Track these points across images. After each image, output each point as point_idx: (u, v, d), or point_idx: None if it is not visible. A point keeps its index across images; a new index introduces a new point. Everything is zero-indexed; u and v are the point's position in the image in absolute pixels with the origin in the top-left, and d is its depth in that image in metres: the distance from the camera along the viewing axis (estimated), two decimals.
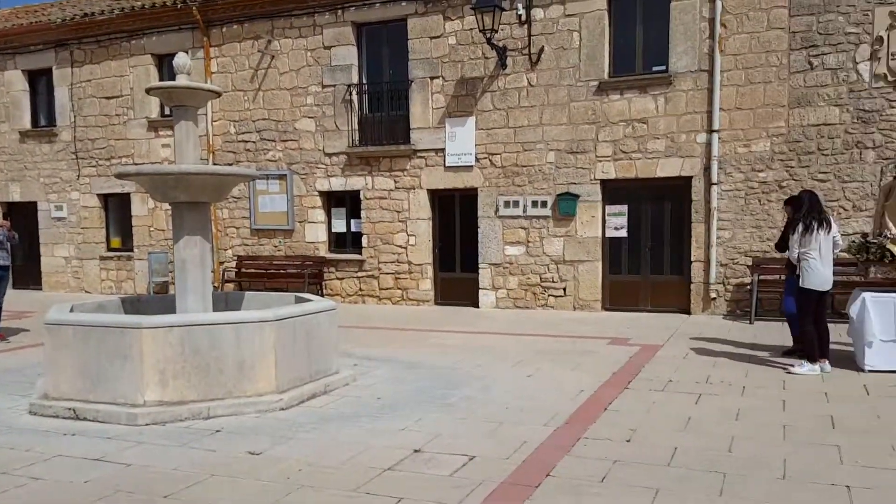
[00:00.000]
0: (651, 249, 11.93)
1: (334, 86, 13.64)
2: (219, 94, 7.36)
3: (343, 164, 13.76)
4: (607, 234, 12.10)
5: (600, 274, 12.13)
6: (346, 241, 14.20)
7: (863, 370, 7.15)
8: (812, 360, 7.18)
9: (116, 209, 16.28)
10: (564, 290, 12.28)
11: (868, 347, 7.13)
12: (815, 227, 7.09)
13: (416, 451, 4.94)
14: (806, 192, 7.62)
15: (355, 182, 13.69)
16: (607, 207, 12.05)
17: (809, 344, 7.23)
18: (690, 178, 11.37)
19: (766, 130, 10.89)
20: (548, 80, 12.08)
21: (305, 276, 13.75)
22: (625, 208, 11.97)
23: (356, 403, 6.30)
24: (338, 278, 14.03)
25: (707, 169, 11.22)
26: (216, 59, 14.56)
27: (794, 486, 4.22)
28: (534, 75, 12.16)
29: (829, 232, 7.16)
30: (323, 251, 14.17)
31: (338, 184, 13.87)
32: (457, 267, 13.34)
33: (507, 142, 12.46)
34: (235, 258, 14.77)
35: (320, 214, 14.16)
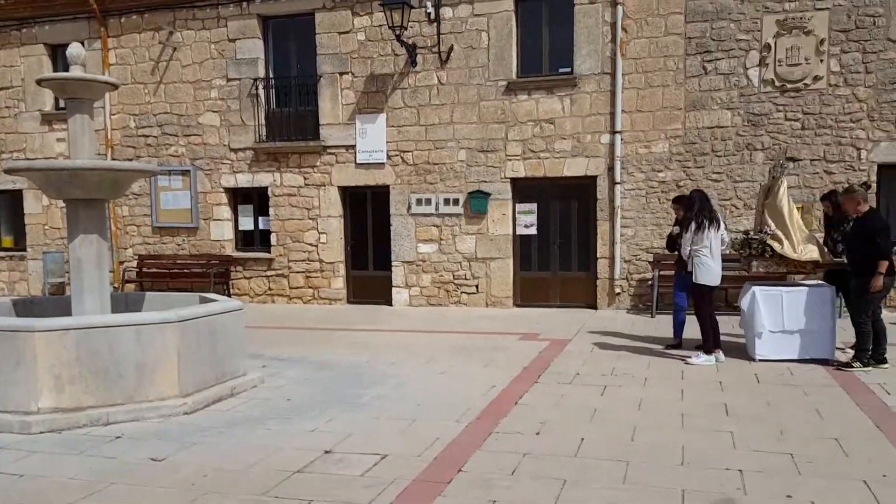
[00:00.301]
0: (559, 247, 12.22)
1: (240, 79, 13.31)
2: (116, 87, 7.08)
3: (250, 160, 13.45)
4: (518, 232, 12.32)
5: (511, 271, 12.34)
6: (254, 240, 13.89)
7: (754, 360, 7.58)
8: (708, 351, 7.55)
9: (7, 206, 15.32)
10: (477, 287, 12.43)
11: (758, 338, 7.56)
12: (707, 225, 7.47)
13: (326, 451, 4.90)
14: (696, 191, 8.01)
15: (263, 178, 13.41)
16: (517, 206, 12.27)
17: (706, 336, 7.61)
18: (595, 177, 11.73)
19: (665, 132, 11.36)
20: (458, 79, 12.18)
21: (211, 275, 13.35)
22: (534, 206, 12.22)
23: (265, 405, 6.18)
24: (245, 278, 13.70)
25: (611, 169, 11.59)
26: (114, 50, 13.91)
27: (692, 471, 4.43)
28: (444, 73, 12.24)
29: (718, 230, 7.57)
30: (229, 249, 13.80)
31: (244, 180, 13.54)
32: (369, 265, 13.27)
33: (418, 139, 12.49)
34: (136, 257, 14.17)
35: (226, 212, 13.79)
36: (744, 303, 7.79)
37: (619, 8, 11.27)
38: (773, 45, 10.83)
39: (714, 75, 11.10)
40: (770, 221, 7.80)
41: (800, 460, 4.58)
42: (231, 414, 5.93)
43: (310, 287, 13.33)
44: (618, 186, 11.53)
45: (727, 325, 9.48)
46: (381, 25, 12.24)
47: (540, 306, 12.14)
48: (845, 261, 7.56)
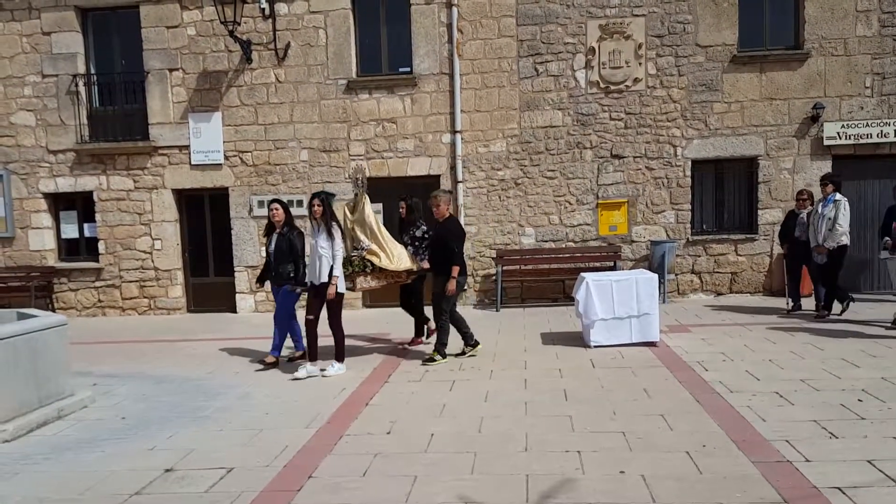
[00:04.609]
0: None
1: (57, 76, 12.29)
2: None
3: (72, 163, 12.46)
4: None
5: None
6: (80, 248, 12.89)
7: (589, 346, 8.03)
8: (341, 359, 7.43)
9: None
10: None
11: (592, 326, 8.02)
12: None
13: (167, 470, 4.65)
14: (326, 193, 7.65)
15: (87, 182, 12.46)
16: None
17: (341, 344, 7.44)
18: (438, 176, 11.94)
19: (502, 132, 11.77)
20: (296, 77, 11.95)
21: (31, 289, 12.22)
22: (380, 206, 12.19)
23: (97, 426, 5.77)
24: (72, 290, 12.68)
25: (453, 168, 11.85)
26: None
27: (535, 456, 4.63)
28: (281, 71, 11.96)
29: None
30: (52, 260, 12.72)
31: (66, 184, 12.52)
32: (210, 271, 12.70)
33: (257, 139, 12.12)
34: None
35: (46, 219, 12.69)
36: (578, 294, 8.20)
37: (454, 9, 11.54)
38: (597, 49, 11.52)
39: (545, 77, 11.64)
40: (362, 237, 7.76)
41: (630, 437, 4.92)
42: (58, 438, 5.49)
43: (145, 297, 12.57)
44: (460, 185, 11.81)
45: (566, 314, 10.01)
46: (212, 20, 11.76)
47: (389, 306, 12.15)
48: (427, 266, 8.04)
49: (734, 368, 6.82)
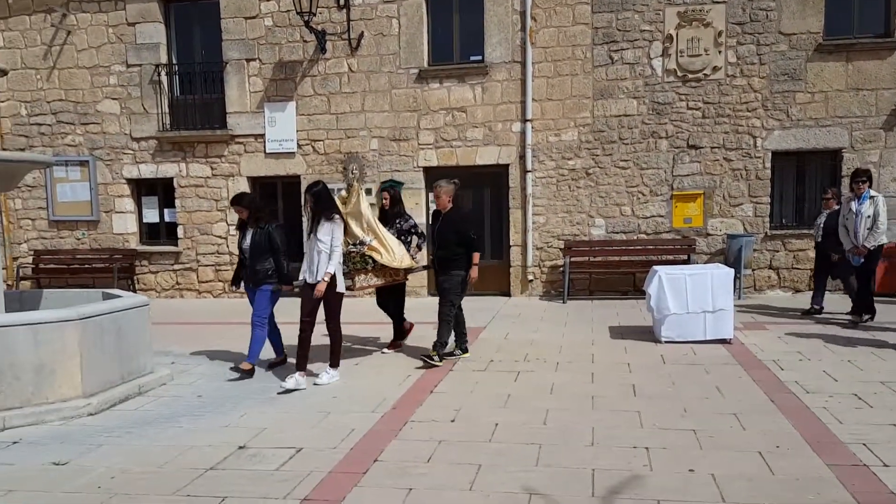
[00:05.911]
0: (473, 235, 12.24)
1: (141, 65, 12.77)
2: (5, 73, 6.67)
3: (153, 150, 12.94)
4: (431, 222, 12.30)
5: (426, 261, 12.32)
6: (160, 232, 13.40)
7: (660, 341, 7.86)
8: (336, 364, 6.75)
9: None
10: None
11: (664, 321, 7.84)
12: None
13: (240, 447, 4.80)
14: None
15: (168, 169, 12.93)
16: (430, 194, 12.27)
17: (338, 348, 6.74)
18: (507, 165, 11.88)
19: (574, 120, 11.61)
20: (369, 67, 12.07)
21: (114, 270, 12.78)
22: None
23: (175, 403, 6.00)
24: (151, 272, 13.21)
25: (522, 157, 11.77)
26: (2, 32, 13.08)
27: (601, 451, 4.58)
28: (354, 61, 12.10)
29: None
30: (133, 243, 13.27)
31: (148, 171, 13.02)
32: None
33: (329, 128, 12.32)
34: (32, 253, 13.43)
35: (129, 203, 13.23)
36: (650, 287, 8.03)
37: None
38: (675, 37, 11.23)
39: (620, 65, 11.42)
40: (358, 231, 7.13)
41: (701, 435, 4.81)
42: (139, 413, 5.73)
43: (220, 280, 12.98)
44: (529, 174, 11.72)
45: (636, 308, 9.84)
46: (289, 11, 11.98)
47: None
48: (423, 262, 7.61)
49: (811, 368, 6.58)
